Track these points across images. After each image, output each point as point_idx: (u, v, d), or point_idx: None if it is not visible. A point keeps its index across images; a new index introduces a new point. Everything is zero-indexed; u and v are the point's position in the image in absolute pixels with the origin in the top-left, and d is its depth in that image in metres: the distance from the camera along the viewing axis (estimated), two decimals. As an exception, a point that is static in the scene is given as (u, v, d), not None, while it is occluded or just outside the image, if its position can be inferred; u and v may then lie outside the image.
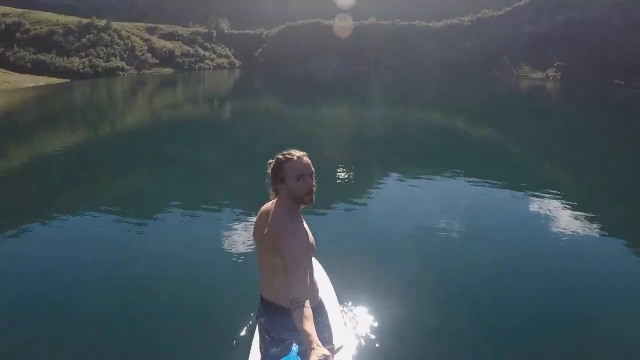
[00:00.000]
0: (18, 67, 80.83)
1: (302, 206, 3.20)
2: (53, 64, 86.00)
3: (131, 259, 9.46)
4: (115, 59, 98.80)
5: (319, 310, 3.39)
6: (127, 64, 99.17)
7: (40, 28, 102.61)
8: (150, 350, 6.44)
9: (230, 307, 7.31)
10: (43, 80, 72.66)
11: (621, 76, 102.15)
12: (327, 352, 2.30)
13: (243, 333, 6.26)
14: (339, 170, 17.19)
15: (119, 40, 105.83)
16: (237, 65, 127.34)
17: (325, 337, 3.33)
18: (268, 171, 3.24)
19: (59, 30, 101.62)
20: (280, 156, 3.18)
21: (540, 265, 9.12)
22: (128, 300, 7.77)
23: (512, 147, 24.16)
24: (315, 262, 5.90)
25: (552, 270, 8.92)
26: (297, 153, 3.17)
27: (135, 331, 6.86)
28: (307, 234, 3.12)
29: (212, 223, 11.74)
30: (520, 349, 6.50)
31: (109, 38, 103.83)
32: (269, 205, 3.36)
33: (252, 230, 3.45)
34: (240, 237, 10.44)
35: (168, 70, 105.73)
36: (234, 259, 9.37)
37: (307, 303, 2.58)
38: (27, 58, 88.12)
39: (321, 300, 3.50)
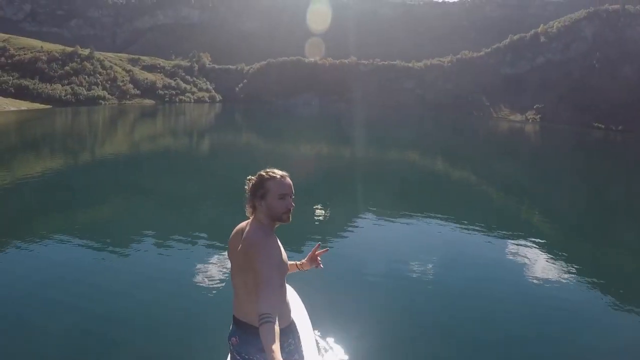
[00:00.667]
0: (1, 91, 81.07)
1: (278, 225, 3.25)
2: (36, 90, 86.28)
3: (104, 286, 9.54)
4: (97, 88, 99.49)
5: (292, 332, 3.38)
6: (108, 94, 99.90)
7: (25, 54, 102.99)
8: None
9: (202, 329, 7.54)
10: (25, 105, 73.19)
11: (600, 118, 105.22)
12: None
13: (215, 354, 6.11)
14: (316, 205, 17.47)
15: (101, 70, 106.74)
16: (218, 99, 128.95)
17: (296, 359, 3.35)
18: (246, 187, 3.29)
19: (43, 57, 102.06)
20: (263, 173, 3.22)
21: (504, 309, 9.43)
22: (100, 327, 7.83)
23: (490, 190, 24.97)
24: (288, 286, 5.62)
25: (519, 313, 9.23)
26: (280, 172, 3.24)
27: (109, 356, 7.07)
28: (280, 251, 3.12)
29: (185, 250, 12.00)
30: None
31: (91, 67, 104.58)
32: (243, 224, 3.39)
33: (226, 252, 3.49)
34: (212, 263, 10.81)
35: (149, 102, 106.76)
36: (206, 282, 9.65)
37: (275, 319, 2.58)
38: (10, 82, 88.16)
39: (294, 322, 3.48)
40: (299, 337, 3.47)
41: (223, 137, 47.97)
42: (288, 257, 3.35)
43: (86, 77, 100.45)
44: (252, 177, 3.26)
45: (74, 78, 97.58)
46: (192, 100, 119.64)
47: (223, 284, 9.35)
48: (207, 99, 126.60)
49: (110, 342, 7.38)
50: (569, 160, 43.45)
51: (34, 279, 9.86)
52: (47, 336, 7.52)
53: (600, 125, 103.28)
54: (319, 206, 17.58)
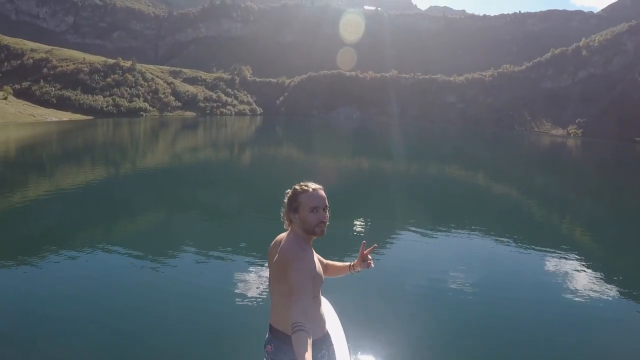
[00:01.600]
0: (43, 102, 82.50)
1: (314, 238, 3.29)
2: (77, 101, 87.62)
3: (143, 294, 9.72)
4: (139, 99, 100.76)
5: (325, 344, 3.44)
6: (150, 105, 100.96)
7: (67, 65, 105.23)
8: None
9: (240, 337, 7.59)
10: (67, 116, 74.06)
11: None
12: None
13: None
14: (355, 217, 17.20)
15: (143, 82, 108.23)
16: (259, 112, 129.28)
17: None
18: (284, 200, 3.34)
19: (85, 69, 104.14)
20: (297, 187, 3.29)
21: (544, 327, 8.99)
22: (139, 334, 7.92)
23: (531, 204, 24.06)
24: (323, 298, 5.90)
25: (561, 334, 8.72)
26: (313, 185, 3.28)
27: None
28: (314, 262, 3.18)
29: (225, 260, 12.01)
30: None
31: (133, 79, 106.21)
32: (282, 235, 3.45)
33: (265, 262, 3.60)
34: (251, 272, 10.73)
35: (190, 114, 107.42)
36: (244, 292, 9.58)
37: (307, 328, 2.62)
38: (52, 93, 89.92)
39: (328, 333, 3.56)
40: (333, 349, 3.53)
41: (264, 150, 47.18)
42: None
43: (128, 88, 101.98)
44: (289, 191, 3.32)
45: (115, 90, 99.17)
46: (233, 113, 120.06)
47: (261, 294, 9.37)
48: (248, 111, 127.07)
49: (149, 349, 7.48)
50: (610, 175, 42.33)
51: (77, 285, 10.05)
52: (86, 341, 7.69)
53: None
54: (358, 218, 17.28)
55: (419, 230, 15.88)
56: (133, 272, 11.02)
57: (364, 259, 3.86)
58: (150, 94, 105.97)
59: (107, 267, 11.29)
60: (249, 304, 9.03)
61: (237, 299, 9.27)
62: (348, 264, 3.98)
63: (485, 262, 12.99)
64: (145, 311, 8.90)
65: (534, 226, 18.80)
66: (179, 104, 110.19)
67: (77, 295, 9.51)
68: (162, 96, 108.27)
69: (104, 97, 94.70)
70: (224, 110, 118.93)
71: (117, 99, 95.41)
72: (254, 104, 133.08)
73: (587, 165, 50.65)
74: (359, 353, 6.90)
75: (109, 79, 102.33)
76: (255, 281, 10.25)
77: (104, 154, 37.77)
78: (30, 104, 78.02)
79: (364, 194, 23.93)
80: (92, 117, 77.97)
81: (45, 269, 10.96)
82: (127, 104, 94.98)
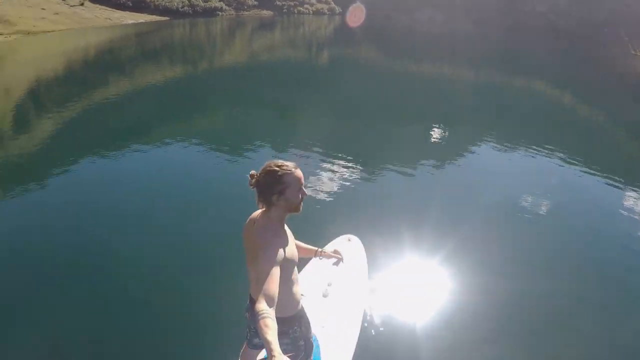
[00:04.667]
0: (119, 5, 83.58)
1: (289, 214, 3.36)
2: (153, 2, 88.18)
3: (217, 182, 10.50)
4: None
5: (298, 319, 3.65)
6: (225, 5, 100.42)
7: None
8: (156, 330, 5.94)
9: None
10: (143, 18, 74.98)
11: None
12: (287, 359, 2.49)
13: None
14: (429, 131, 16.63)
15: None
16: (337, 11, 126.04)
17: (301, 345, 3.69)
18: (252, 181, 3.26)
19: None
20: (276, 168, 3.22)
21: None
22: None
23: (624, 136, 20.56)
24: (356, 239, 6.19)
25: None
26: (292, 164, 3.28)
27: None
28: (286, 247, 3.23)
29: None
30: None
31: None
32: (256, 213, 3.47)
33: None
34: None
35: (267, 13, 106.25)
36: None
37: (272, 314, 2.73)
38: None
39: (302, 309, 3.73)
40: (307, 322, 3.78)
41: (342, 52, 46.09)
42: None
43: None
44: (256, 172, 3.27)
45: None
46: (311, 12, 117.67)
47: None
48: (326, 10, 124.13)
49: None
50: None
51: (157, 175, 11.05)
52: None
53: None
54: (433, 130, 16.80)
55: (493, 148, 14.89)
56: (206, 165, 11.64)
57: (336, 254, 4.30)
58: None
59: (182, 160, 12.05)
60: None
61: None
62: (315, 248, 4.33)
63: (560, 192, 11.34)
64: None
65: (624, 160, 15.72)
66: (255, 2, 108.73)
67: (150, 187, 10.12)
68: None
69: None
70: (301, 9, 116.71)
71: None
72: (332, 2, 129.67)
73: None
74: (379, 299, 6.41)
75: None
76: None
77: (181, 54, 38.27)
78: (106, 7, 79.25)
79: (437, 106, 22.74)
80: (168, 18, 78.56)
81: (121, 160, 11.82)
82: (202, 4, 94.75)
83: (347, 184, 10.60)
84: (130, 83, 23.54)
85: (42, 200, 9.40)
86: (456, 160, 13.54)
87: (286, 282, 3.28)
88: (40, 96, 21.09)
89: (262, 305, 2.75)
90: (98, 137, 13.98)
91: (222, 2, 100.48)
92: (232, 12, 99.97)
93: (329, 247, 5.38)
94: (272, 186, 3.19)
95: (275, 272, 2.96)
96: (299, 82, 25.70)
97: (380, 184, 10.90)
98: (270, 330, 2.62)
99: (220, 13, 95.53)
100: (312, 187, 10.19)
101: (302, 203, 3.32)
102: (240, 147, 13.02)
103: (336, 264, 4.20)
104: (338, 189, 10.31)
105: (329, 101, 20.79)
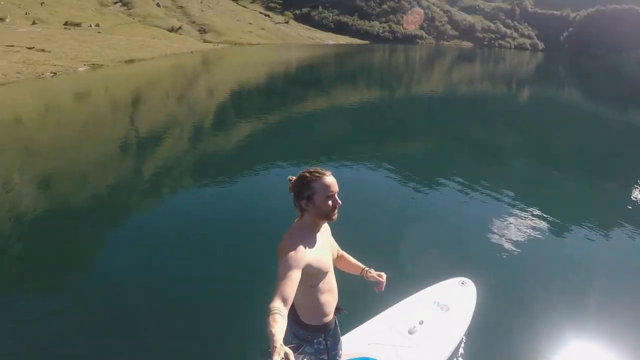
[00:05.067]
0: (322, 26, 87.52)
1: (323, 222, 3.32)
2: (354, 26, 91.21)
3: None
4: (415, 27, 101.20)
5: (324, 332, 3.48)
6: (426, 33, 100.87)
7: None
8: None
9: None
10: (343, 40, 77.32)
11: None
12: (289, 350, 2.47)
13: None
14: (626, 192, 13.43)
15: (419, 9, 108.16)
16: (540, 47, 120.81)
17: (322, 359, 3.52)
18: (290, 186, 3.25)
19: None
20: (306, 174, 3.21)
21: None
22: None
23: None
24: (468, 281, 5.80)
25: None
26: (324, 171, 3.24)
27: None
28: (312, 252, 3.18)
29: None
30: None
31: (409, 6, 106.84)
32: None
33: None
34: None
35: (467, 44, 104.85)
36: None
37: (284, 312, 2.74)
38: (330, 18, 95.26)
39: (332, 323, 3.54)
40: (336, 338, 3.61)
41: (544, 92, 42.90)
42: None
43: (404, 15, 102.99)
44: (293, 177, 3.28)
45: (391, 16, 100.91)
46: (512, 47, 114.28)
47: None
48: (528, 46, 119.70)
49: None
50: None
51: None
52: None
53: None
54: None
55: None
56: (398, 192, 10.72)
57: (379, 277, 3.86)
58: (427, 22, 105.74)
59: (371, 183, 11.28)
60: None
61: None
62: (362, 266, 3.93)
63: None
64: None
65: None
66: (456, 33, 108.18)
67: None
68: (439, 24, 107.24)
69: (380, 23, 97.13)
70: (502, 42, 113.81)
71: (394, 25, 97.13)
72: (535, 38, 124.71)
73: None
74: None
75: (384, 6, 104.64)
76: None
77: (379, 78, 38.01)
78: (309, 27, 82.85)
79: None
80: (368, 42, 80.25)
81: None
82: (402, 31, 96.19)
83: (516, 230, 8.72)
84: (327, 101, 23.59)
85: (227, 194, 9.98)
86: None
87: (312, 289, 3.30)
88: (241, 101, 21.94)
89: (274, 303, 2.76)
90: (291, 149, 14.11)
91: (422, 30, 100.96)
92: (432, 40, 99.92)
93: (440, 288, 5.58)
94: (301, 191, 3.22)
95: (293, 275, 2.95)
96: (496, 118, 23.84)
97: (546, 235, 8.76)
98: (278, 324, 2.64)
99: (419, 41, 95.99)
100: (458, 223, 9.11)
101: (335, 212, 3.23)
102: (431, 179, 11.71)
103: (378, 288, 3.71)
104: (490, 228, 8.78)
105: (523, 143, 18.59)
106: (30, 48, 53.04)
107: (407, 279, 5.98)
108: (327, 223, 3.46)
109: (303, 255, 3.08)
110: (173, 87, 29.95)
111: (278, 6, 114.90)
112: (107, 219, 8.84)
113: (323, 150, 14.22)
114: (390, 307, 5.19)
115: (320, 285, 3.35)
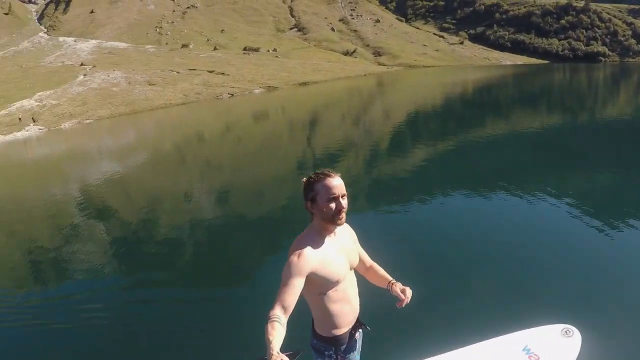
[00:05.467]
0: (498, 46, 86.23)
1: (335, 227, 3.26)
2: (532, 44, 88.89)
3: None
4: (596, 43, 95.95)
5: (335, 344, 3.41)
6: (608, 50, 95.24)
7: (518, 9, 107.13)
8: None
9: None
10: (521, 60, 75.72)
11: None
12: (286, 358, 2.48)
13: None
14: None
15: (599, 23, 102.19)
16: None
17: None
18: (302, 189, 3.26)
19: (537, 11, 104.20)
20: (312, 175, 3.22)
21: None
22: None
23: None
24: (576, 334, 4.74)
25: None
26: (329, 173, 3.20)
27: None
28: (319, 259, 3.13)
29: None
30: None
31: (588, 20, 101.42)
32: None
33: None
34: None
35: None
36: None
37: (282, 320, 2.78)
38: (506, 37, 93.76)
39: (346, 336, 3.44)
40: (348, 353, 3.44)
41: None
42: None
43: (584, 31, 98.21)
44: (304, 178, 3.27)
45: (570, 32, 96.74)
46: None
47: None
48: None
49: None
50: None
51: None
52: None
53: None
54: None
55: None
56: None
57: (402, 292, 3.60)
58: (609, 37, 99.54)
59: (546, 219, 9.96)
60: None
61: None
62: (390, 279, 3.75)
63: None
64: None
65: None
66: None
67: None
68: (622, 39, 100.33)
69: (559, 40, 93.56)
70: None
71: (573, 42, 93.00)
72: None
73: None
74: None
75: (562, 21, 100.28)
76: None
77: (560, 101, 36.75)
78: (484, 47, 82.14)
79: None
80: (547, 62, 77.81)
81: (481, 203, 11.42)
82: (583, 48, 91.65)
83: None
84: (506, 125, 23.39)
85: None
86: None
87: (321, 298, 3.26)
88: (417, 124, 22.43)
89: (273, 311, 2.83)
90: (467, 176, 13.83)
91: (604, 47, 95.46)
92: (616, 57, 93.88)
93: (535, 334, 4.77)
94: (306, 193, 3.22)
95: (294, 282, 2.98)
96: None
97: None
98: (275, 332, 2.69)
99: (602, 58, 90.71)
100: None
101: (341, 215, 3.17)
102: (613, 216, 9.72)
103: (399, 304, 3.49)
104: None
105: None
106: (210, 71, 58.98)
107: (497, 318, 5.55)
108: (353, 230, 3.52)
109: (306, 262, 3.07)
110: (348, 109, 31.60)
111: (452, 26, 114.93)
112: (280, 234, 9.80)
113: (500, 178, 13.48)
114: (463, 346, 4.65)
115: (331, 294, 3.28)
